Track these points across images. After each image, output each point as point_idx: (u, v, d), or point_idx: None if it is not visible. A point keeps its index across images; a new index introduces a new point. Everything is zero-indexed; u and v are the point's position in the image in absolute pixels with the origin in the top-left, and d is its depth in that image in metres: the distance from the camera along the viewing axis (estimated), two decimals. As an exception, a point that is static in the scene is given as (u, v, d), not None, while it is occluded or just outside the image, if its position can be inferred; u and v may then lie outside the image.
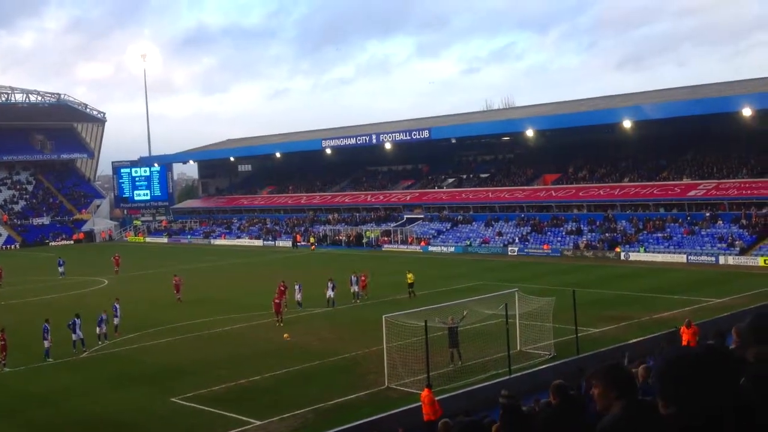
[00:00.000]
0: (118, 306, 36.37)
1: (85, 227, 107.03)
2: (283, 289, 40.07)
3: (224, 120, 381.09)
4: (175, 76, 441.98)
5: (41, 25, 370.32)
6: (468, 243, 70.63)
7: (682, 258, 56.35)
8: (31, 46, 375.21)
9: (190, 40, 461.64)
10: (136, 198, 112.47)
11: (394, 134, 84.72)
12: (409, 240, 75.87)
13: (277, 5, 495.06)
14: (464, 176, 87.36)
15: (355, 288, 42.82)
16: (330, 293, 41.12)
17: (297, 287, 41.29)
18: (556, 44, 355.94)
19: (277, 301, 37.24)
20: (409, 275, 43.90)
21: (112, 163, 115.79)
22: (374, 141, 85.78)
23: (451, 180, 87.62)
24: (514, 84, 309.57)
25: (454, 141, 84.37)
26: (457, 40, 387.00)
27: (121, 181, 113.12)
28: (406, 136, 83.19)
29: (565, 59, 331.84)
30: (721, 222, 59.75)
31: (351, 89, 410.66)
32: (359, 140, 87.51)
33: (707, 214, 60.96)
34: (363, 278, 43.76)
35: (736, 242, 55.89)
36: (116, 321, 35.70)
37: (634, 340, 28.15)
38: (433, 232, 76.06)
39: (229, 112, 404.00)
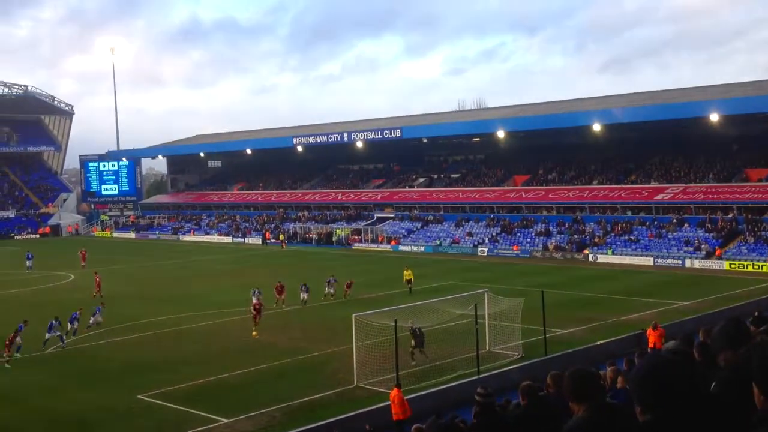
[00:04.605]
0: (101, 308, 35.71)
1: (52, 221, 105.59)
2: (280, 288, 40.18)
3: (208, 114, 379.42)
4: (164, 70, 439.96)
5: (38, 15, 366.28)
6: (438, 243, 70.82)
7: (649, 261, 57.01)
8: (25, 37, 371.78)
9: (183, 33, 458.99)
10: (103, 192, 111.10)
11: (365, 133, 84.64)
12: (380, 239, 75.89)
13: (276, 1, 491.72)
14: (435, 176, 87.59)
15: (330, 290, 42.26)
16: (304, 296, 40.61)
17: (255, 292, 37.55)
18: (542, 46, 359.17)
19: (257, 306, 34.82)
20: (407, 272, 45.05)
21: (80, 156, 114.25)
22: (345, 139, 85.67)
23: (421, 180, 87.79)
24: (496, 85, 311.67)
25: (425, 141, 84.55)
26: (446, 40, 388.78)
27: (88, 174, 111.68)
28: (377, 134, 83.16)
29: (550, 61, 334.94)
30: (687, 226, 60.54)
31: (337, 87, 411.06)
32: (331, 138, 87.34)
33: (674, 218, 61.74)
34: (349, 282, 43.15)
35: (702, 246, 56.66)
36: (92, 320, 34.84)
37: (601, 342, 28.43)
38: (404, 231, 76.16)
39: (214, 107, 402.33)
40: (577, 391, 4.00)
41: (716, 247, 55.94)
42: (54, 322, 31.85)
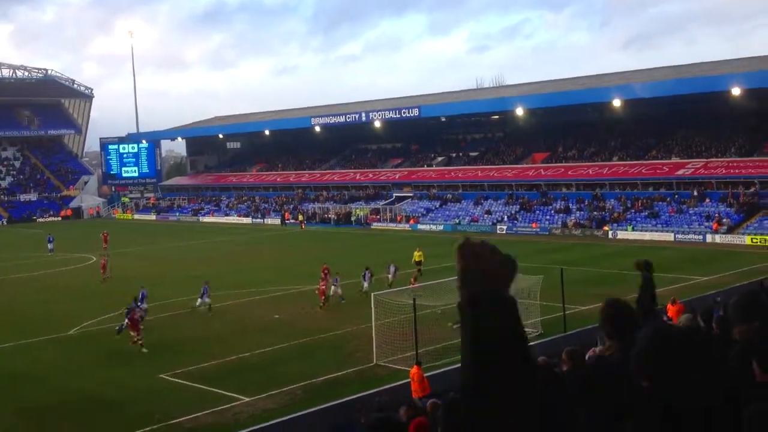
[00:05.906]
0: (207, 288, 34.79)
1: (73, 204, 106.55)
2: (326, 271, 37.30)
3: (229, 96, 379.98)
4: (186, 51, 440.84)
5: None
6: (457, 221, 70.71)
7: (669, 236, 56.64)
8: (50, 21, 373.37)
9: (207, 15, 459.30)
10: (124, 174, 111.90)
11: (383, 112, 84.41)
12: (398, 218, 75.89)
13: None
14: (453, 154, 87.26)
15: (390, 278, 38.19)
16: (365, 285, 35.92)
17: (334, 280, 35.90)
18: (567, 22, 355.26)
19: (322, 286, 34.70)
20: (417, 253, 42.88)
21: (100, 139, 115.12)
22: (363, 119, 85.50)
23: (440, 158, 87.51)
24: (519, 62, 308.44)
25: (443, 119, 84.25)
26: (470, 18, 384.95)
27: (108, 157, 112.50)
28: (395, 114, 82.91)
29: (574, 38, 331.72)
30: (708, 201, 60.02)
31: (359, 66, 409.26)
32: (348, 118, 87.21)
33: (695, 193, 61.22)
34: (415, 274, 38.53)
35: (724, 221, 56.18)
36: (204, 300, 34.42)
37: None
38: (422, 210, 76.09)
39: (236, 88, 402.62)
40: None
41: (714, 222, 55.63)
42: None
